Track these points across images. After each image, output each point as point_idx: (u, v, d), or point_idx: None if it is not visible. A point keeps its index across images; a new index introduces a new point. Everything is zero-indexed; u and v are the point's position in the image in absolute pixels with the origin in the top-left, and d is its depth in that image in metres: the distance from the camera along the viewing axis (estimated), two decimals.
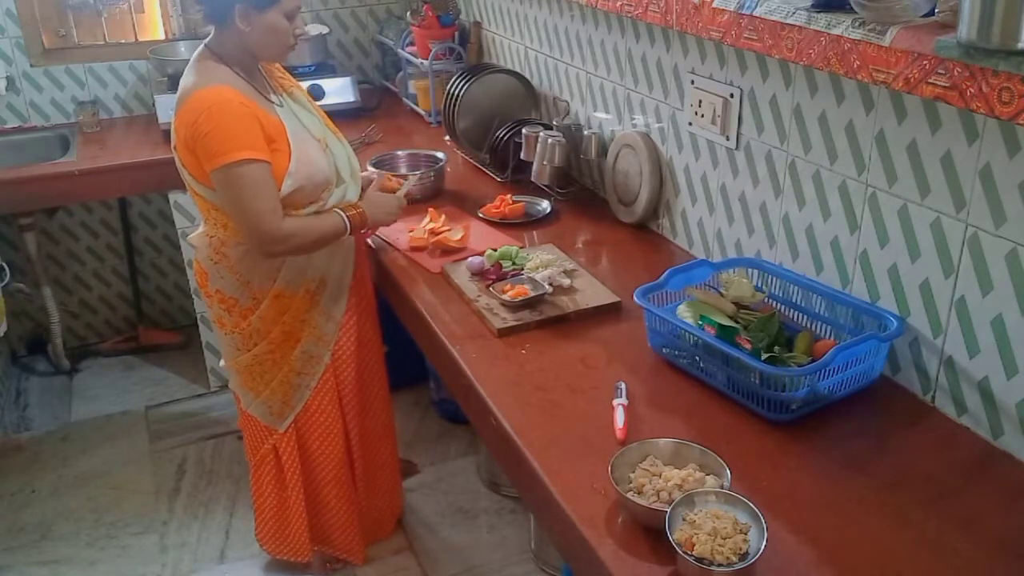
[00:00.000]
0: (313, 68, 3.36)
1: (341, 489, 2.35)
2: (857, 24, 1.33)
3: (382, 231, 2.31)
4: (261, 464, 2.32)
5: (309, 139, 2.01)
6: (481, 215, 2.40)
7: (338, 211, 2.03)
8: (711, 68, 1.99)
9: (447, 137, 2.94)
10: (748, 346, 1.55)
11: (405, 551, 2.58)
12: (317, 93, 3.25)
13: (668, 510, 1.22)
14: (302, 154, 1.96)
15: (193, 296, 3.19)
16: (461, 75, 2.79)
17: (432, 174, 2.56)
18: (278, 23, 1.92)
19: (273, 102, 2.01)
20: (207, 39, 1.99)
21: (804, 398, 1.50)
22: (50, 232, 3.51)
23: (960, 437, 1.50)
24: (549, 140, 2.40)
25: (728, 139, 1.97)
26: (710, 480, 1.32)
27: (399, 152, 2.76)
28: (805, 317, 1.75)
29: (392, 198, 2.17)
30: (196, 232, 2.15)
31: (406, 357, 2.53)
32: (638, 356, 1.74)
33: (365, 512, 2.48)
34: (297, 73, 3.33)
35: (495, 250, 2.11)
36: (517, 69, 2.92)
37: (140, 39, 3.47)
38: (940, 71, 1.21)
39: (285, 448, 2.26)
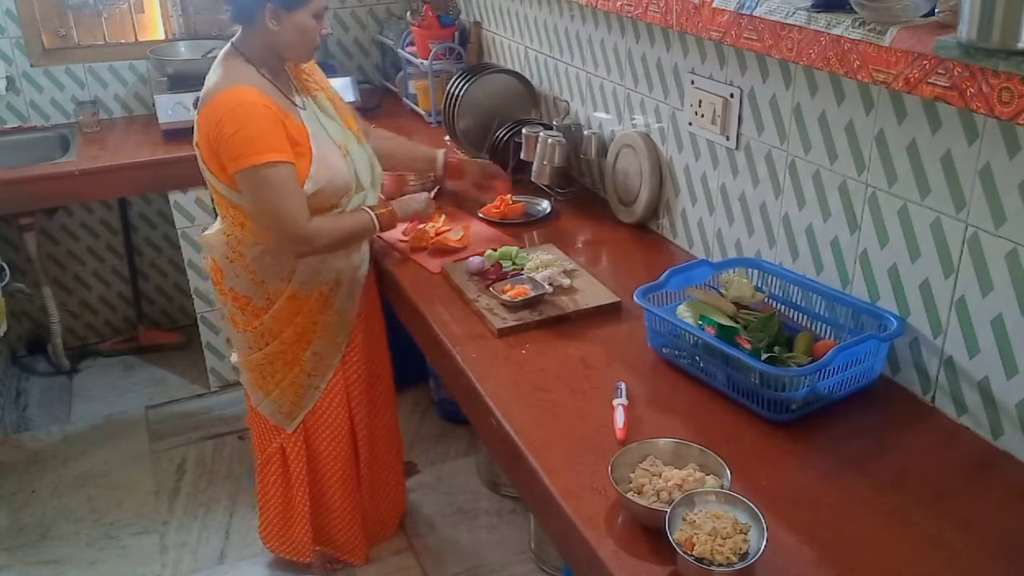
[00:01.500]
0: None
1: (346, 490, 2.36)
2: (857, 24, 1.33)
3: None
4: (268, 463, 2.32)
5: (329, 144, 2.02)
6: (481, 215, 2.40)
7: (366, 209, 2.05)
8: (711, 68, 1.99)
9: (447, 137, 2.94)
10: (748, 346, 1.55)
11: (405, 551, 2.58)
12: None
13: (668, 510, 1.22)
14: (323, 158, 1.97)
15: (193, 296, 3.19)
16: (461, 75, 2.79)
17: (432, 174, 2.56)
18: (307, 23, 1.93)
19: (296, 104, 2.01)
20: (234, 38, 2.00)
21: (804, 398, 1.50)
22: (50, 232, 3.51)
23: (960, 437, 1.50)
24: (549, 140, 2.40)
25: (728, 139, 1.97)
26: (710, 480, 1.32)
27: None
28: (805, 317, 1.75)
29: (420, 195, 2.21)
30: (211, 230, 2.15)
31: (406, 357, 2.52)
32: (638, 356, 1.74)
33: (369, 513, 2.48)
34: None
35: (495, 250, 2.11)
36: (517, 69, 2.92)
37: (140, 39, 3.47)
38: (940, 71, 1.21)
39: (292, 448, 2.27)
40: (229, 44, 2.00)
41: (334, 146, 2.03)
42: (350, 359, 2.24)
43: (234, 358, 2.30)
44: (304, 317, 2.12)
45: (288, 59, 2.02)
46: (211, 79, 1.95)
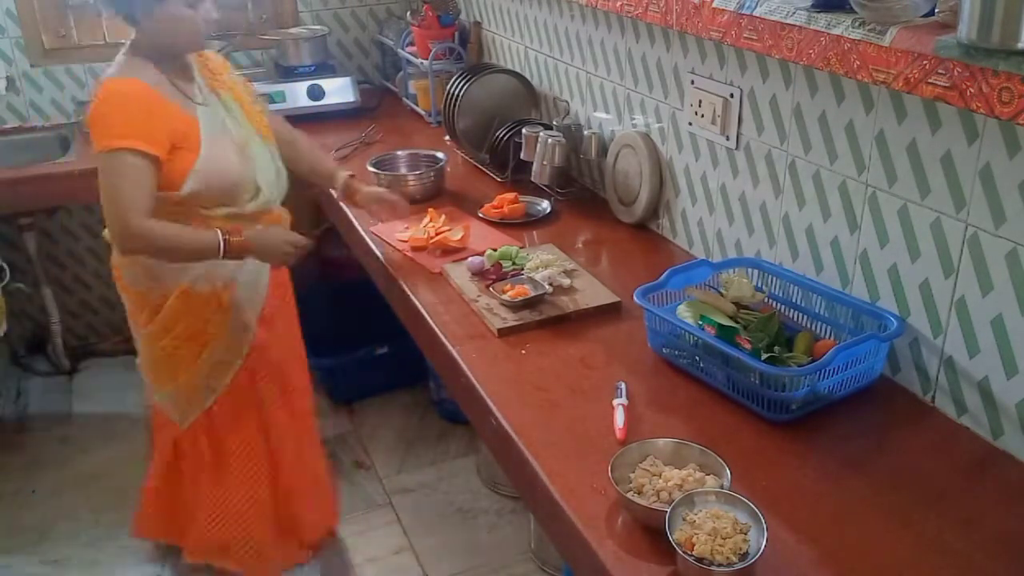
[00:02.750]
0: (313, 68, 3.36)
1: (253, 491, 2.22)
2: (857, 24, 1.33)
3: (381, 230, 2.32)
4: (160, 452, 2.24)
5: (226, 143, 1.97)
6: (481, 215, 2.39)
7: (219, 231, 1.93)
8: (711, 68, 1.99)
9: (447, 137, 2.94)
10: (748, 346, 1.55)
11: (405, 551, 2.58)
12: (317, 93, 3.25)
13: (668, 510, 1.22)
14: (212, 157, 1.91)
15: None
16: (461, 75, 2.79)
17: (432, 174, 2.56)
18: (179, 12, 1.88)
19: (196, 100, 1.97)
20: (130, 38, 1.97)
21: (804, 398, 1.50)
22: (50, 232, 3.51)
23: (960, 437, 1.50)
24: (549, 140, 2.40)
25: (728, 139, 1.97)
26: (710, 480, 1.32)
27: (399, 152, 2.76)
28: (805, 317, 1.75)
29: (285, 239, 2.03)
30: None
31: (406, 357, 2.53)
32: (638, 356, 1.74)
33: (283, 516, 2.32)
34: (297, 73, 3.34)
35: (495, 250, 2.11)
36: (517, 69, 2.92)
37: None
38: (940, 71, 1.21)
39: (186, 444, 2.17)
40: (127, 44, 1.97)
41: (230, 143, 1.98)
42: (256, 366, 2.15)
43: (137, 361, 2.22)
44: (196, 315, 2.04)
45: (178, 51, 1.97)
46: (104, 72, 1.93)
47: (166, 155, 1.85)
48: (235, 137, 2.00)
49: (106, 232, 1.94)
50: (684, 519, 1.23)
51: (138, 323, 2.12)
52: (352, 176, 2.28)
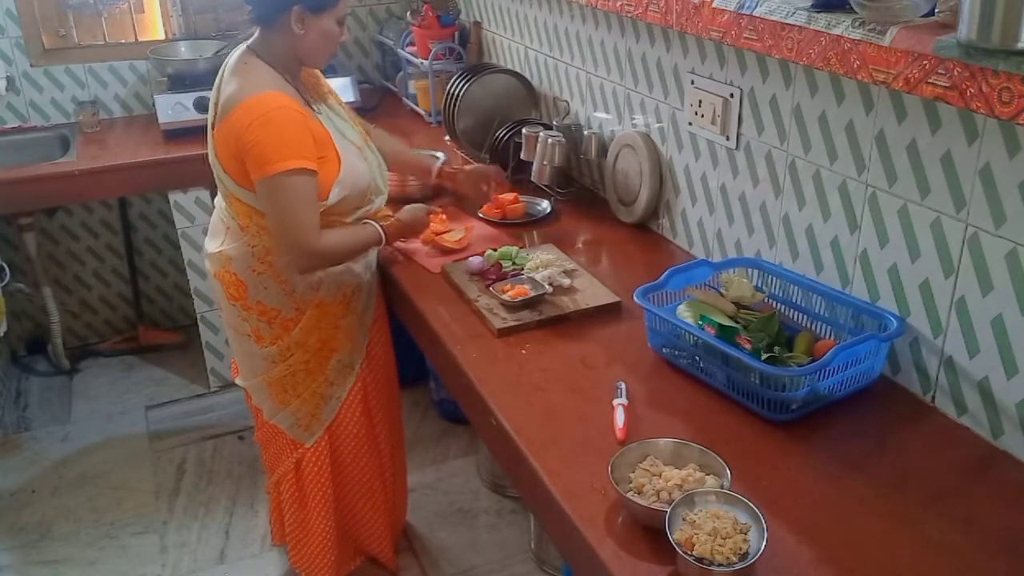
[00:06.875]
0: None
1: (375, 500, 2.31)
2: (857, 24, 1.33)
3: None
4: (281, 482, 2.25)
5: (349, 146, 1.99)
6: (481, 215, 2.39)
7: (372, 222, 2.01)
8: (711, 68, 1.99)
9: (447, 137, 2.94)
10: (748, 346, 1.55)
11: (405, 551, 2.58)
12: None
13: (668, 510, 1.22)
14: (348, 161, 1.94)
15: (193, 296, 3.19)
16: (461, 75, 2.79)
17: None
18: (331, 28, 1.89)
19: (313, 109, 1.97)
20: (249, 41, 1.93)
21: (804, 398, 1.50)
22: (50, 232, 3.51)
23: (960, 437, 1.50)
24: (549, 140, 2.40)
25: (728, 139, 1.97)
26: (710, 480, 1.32)
27: None
28: (805, 317, 1.75)
29: (421, 207, 2.17)
30: (224, 245, 2.04)
31: (406, 357, 2.52)
32: (638, 356, 1.74)
33: (395, 520, 2.47)
34: None
35: (495, 250, 2.11)
36: (517, 69, 2.92)
37: (140, 39, 3.47)
38: (940, 71, 1.21)
39: (311, 463, 2.18)
40: (244, 47, 1.92)
41: (354, 148, 2.00)
42: (367, 365, 2.20)
43: (241, 382, 2.21)
44: (327, 323, 2.07)
45: (307, 64, 1.97)
46: (232, 85, 1.86)
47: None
48: (353, 140, 2.02)
49: (214, 254, 2.01)
50: (684, 519, 1.23)
51: (262, 340, 2.09)
52: (445, 162, 2.35)
